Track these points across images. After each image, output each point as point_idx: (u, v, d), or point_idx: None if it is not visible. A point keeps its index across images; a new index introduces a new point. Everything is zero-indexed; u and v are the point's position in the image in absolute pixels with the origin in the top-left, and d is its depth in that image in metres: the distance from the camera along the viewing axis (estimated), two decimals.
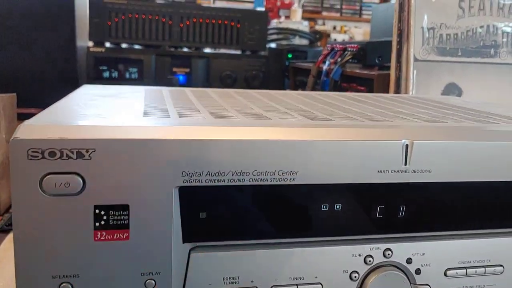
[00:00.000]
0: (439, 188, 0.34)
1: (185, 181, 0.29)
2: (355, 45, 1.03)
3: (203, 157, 0.29)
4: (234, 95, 0.51)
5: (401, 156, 0.32)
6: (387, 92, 0.88)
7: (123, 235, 0.29)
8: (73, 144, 0.27)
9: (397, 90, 0.85)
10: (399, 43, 0.85)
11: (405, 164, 0.32)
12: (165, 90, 0.53)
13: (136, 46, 1.33)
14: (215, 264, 0.31)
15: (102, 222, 0.28)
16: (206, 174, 0.29)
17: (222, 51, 1.41)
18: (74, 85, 1.39)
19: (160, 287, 0.30)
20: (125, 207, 0.29)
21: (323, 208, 0.32)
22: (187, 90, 0.55)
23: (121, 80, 1.28)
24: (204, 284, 0.31)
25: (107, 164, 0.28)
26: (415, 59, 0.83)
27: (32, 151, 0.27)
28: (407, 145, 0.32)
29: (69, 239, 0.28)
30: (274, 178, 0.30)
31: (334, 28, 2.28)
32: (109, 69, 1.29)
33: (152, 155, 0.28)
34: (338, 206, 0.33)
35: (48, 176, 0.27)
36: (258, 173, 0.30)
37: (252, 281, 0.32)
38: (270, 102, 0.46)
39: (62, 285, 0.28)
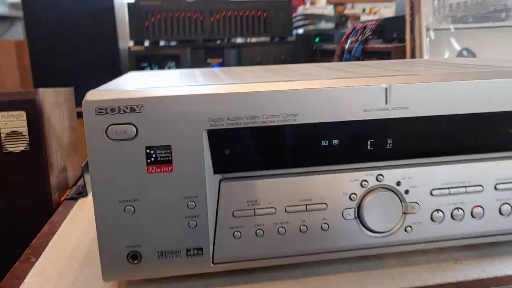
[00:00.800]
0: (418, 122, 0.41)
1: (211, 125, 0.38)
2: (374, 22, 1.09)
3: (224, 106, 0.38)
4: (255, 68, 0.60)
5: (382, 97, 0.40)
6: None
7: (168, 168, 0.38)
8: (127, 102, 0.37)
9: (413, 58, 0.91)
10: (412, 15, 0.91)
11: (386, 103, 0.40)
12: (197, 70, 0.63)
13: (173, 42, 1.44)
14: (240, 190, 0.40)
15: (152, 159, 0.38)
16: (227, 119, 0.38)
17: (252, 40, 1.50)
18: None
19: (198, 207, 0.39)
20: (168, 147, 0.38)
21: (323, 143, 0.41)
22: (216, 69, 0.64)
23: None
24: (232, 206, 0.40)
25: (153, 115, 0.37)
26: (428, 29, 0.89)
27: (98, 109, 0.37)
28: (386, 88, 0.40)
29: (129, 173, 0.38)
30: (279, 120, 0.39)
31: (364, 10, 2.31)
32: (150, 65, 1.41)
33: (185, 107, 0.37)
34: (335, 141, 0.41)
35: (111, 126, 0.37)
36: (267, 116, 0.39)
37: (270, 203, 0.41)
38: (282, 71, 0.55)
39: (127, 207, 0.38)
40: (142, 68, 1.42)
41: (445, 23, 0.89)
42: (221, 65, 1.41)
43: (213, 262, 0.41)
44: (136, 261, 0.39)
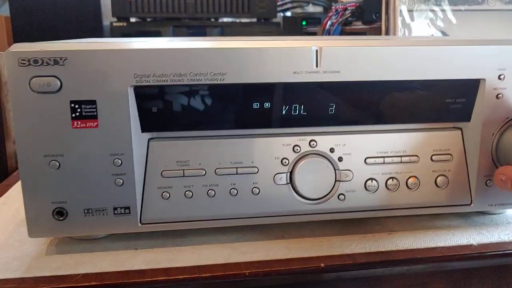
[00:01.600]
0: (351, 87, 0.40)
1: (137, 81, 0.37)
2: (354, 4, 1.08)
3: (149, 62, 0.37)
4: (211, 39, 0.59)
5: (312, 59, 0.39)
6: None
7: (93, 124, 0.38)
8: (50, 54, 0.36)
9: None
10: None
11: (316, 66, 0.39)
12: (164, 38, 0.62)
13: (155, 20, 1.42)
14: (169, 150, 0.40)
15: (77, 114, 0.37)
16: (153, 76, 0.38)
17: (236, 20, 1.48)
18: None
19: (125, 165, 0.39)
20: (93, 102, 0.38)
21: (254, 106, 0.40)
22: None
23: None
24: (161, 166, 0.40)
25: (77, 69, 0.37)
26: (402, 9, 0.88)
27: (21, 60, 0.36)
28: (316, 50, 0.39)
29: (54, 127, 0.37)
30: (207, 79, 0.38)
31: None
32: None
33: (110, 61, 0.37)
34: (267, 105, 0.40)
35: (34, 78, 0.36)
36: (194, 74, 0.38)
37: (200, 164, 0.40)
38: (235, 38, 0.54)
39: (51, 162, 0.38)
40: None
41: (420, 5, 0.88)
42: None
43: (141, 222, 0.40)
44: (62, 218, 0.39)
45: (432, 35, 0.89)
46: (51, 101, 0.37)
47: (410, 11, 0.88)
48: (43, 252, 0.40)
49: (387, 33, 0.90)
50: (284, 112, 0.41)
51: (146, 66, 0.37)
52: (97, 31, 1.43)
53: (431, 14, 0.89)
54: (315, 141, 0.41)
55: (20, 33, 1.38)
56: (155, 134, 0.40)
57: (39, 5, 1.39)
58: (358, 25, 1.07)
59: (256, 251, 0.41)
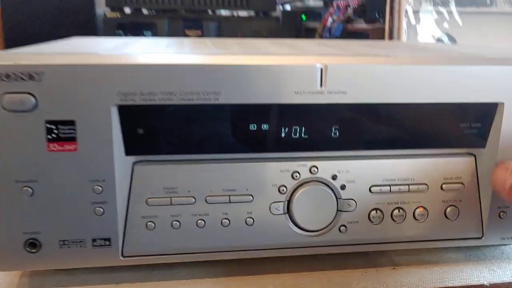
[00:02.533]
0: (357, 109, 0.37)
1: (121, 100, 0.34)
2: (356, 1, 1.04)
3: (135, 79, 0.33)
4: (204, 40, 0.55)
5: (316, 78, 0.35)
6: None
7: (72, 147, 0.34)
8: (24, 68, 0.32)
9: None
10: None
11: (321, 86, 0.35)
12: (157, 39, 0.58)
13: (150, 11, 1.38)
14: (155, 176, 0.36)
15: (54, 135, 0.34)
16: (139, 94, 0.34)
17: (234, 14, 1.44)
18: None
19: (106, 192, 0.35)
20: (72, 122, 0.34)
21: (251, 127, 0.37)
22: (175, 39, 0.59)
23: None
24: (146, 193, 0.36)
25: (55, 85, 0.33)
26: (407, 10, 0.84)
27: None
28: (321, 69, 0.35)
29: (27, 149, 0.34)
30: (199, 98, 0.34)
31: None
32: (125, 33, 1.35)
33: (91, 78, 0.33)
34: (265, 126, 0.37)
35: (6, 95, 0.32)
36: (185, 93, 0.34)
37: (189, 191, 0.37)
38: (239, 43, 0.50)
39: (24, 188, 0.34)
40: (117, 36, 1.36)
41: (426, 6, 0.84)
42: (200, 37, 1.35)
43: (122, 255, 0.37)
44: (34, 250, 0.35)
45: (439, 38, 0.85)
46: (24, 120, 0.33)
47: (415, 12, 0.84)
48: (14, 285, 0.37)
49: (390, 35, 0.86)
50: (283, 135, 0.37)
51: (131, 84, 0.33)
52: (90, 22, 1.38)
53: (436, 16, 0.85)
54: (316, 167, 0.38)
55: (10, 23, 1.33)
56: (140, 158, 0.36)
57: None
58: (360, 24, 1.02)
59: (250, 287, 0.37)
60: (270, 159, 0.38)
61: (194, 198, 0.37)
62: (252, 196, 0.37)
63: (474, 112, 0.38)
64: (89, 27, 1.39)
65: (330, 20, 1.10)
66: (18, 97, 0.33)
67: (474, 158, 0.40)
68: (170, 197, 0.37)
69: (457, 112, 0.38)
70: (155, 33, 1.32)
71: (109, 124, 0.34)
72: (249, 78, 0.34)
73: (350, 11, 1.04)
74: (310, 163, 0.38)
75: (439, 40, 0.85)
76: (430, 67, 0.37)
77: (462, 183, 0.40)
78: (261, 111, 0.36)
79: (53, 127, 0.34)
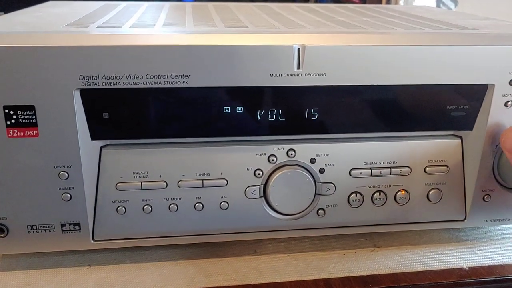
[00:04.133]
0: (336, 91, 0.35)
1: (83, 83, 0.31)
2: None
3: (97, 62, 0.31)
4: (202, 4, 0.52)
5: (293, 60, 0.33)
6: (380, 2, 0.85)
7: (33, 132, 0.32)
8: None
9: (387, 2, 0.82)
10: None
11: (298, 68, 0.33)
12: (118, 7, 0.53)
13: None
14: (124, 160, 0.35)
15: (13, 121, 0.32)
16: (102, 78, 0.31)
17: None
18: None
19: (73, 178, 0.34)
20: (32, 108, 0.32)
21: (225, 110, 0.35)
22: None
23: None
24: (116, 177, 0.35)
25: (9, 69, 0.31)
26: None
27: None
28: (299, 49, 0.33)
29: None
30: (167, 81, 0.32)
31: None
32: None
33: (48, 61, 0.31)
34: (240, 109, 0.35)
35: None
36: (152, 77, 0.32)
37: (160, 176, 0.35)
38: (211, 14, 0.47)
39: None
40: None
41: None
42: None
43: (93, 239, 0.36)
44: (2, 235, 0.35)
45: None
46: None
47: None
48: None
49: None
50: (259, 118, 0.35)
51: (94, 66, 0.31)
52: None
53: None
54: (294, 150, 0.36)
55: None
56: (108, 142, 0.35)
57: None
58: None
59: (224, 272, 0.37)
60: (245, 142, 0.36)
61: (166, 183, 0.35)
62: (227, 180, 0.36)
63: (462, 93, 0.36)
64: None
65: None
66: None
67: (460, 140, 0.38)
68: (141, 182, 0.35)
69: (445, 94, 0.36)
70: None
71: (71, 109, 0.32)
72: (221, 60, 0.32)
73: None
74: (287, 146, 0.36)
75: (441, 1, 0.80)
76: (416, 47, 0.34)
77: (447, 166, 0.38)
78: (235, 93, 0.34)
79: (11, 112, 0.32)
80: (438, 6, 0.81)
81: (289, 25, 0.39)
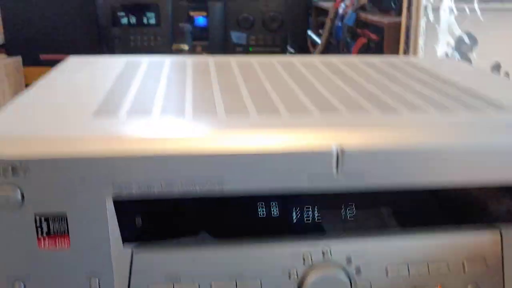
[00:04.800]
0: (374, 192, 0.34)
1: (115, 192, 0.31)
2: None
3: (131, 171, 0.30)
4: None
5: (332, 163, 0.32)
6: (398, 41, 0.84)
7: (64, 241, 0.31)
8: (8, 162, 0.29)
9: (407, 40, 0.81)
10: None
11: (336, 171, 0.32)
12: (140, 71, 0.50)
13: None
14: (157, 264, 0.34)
15: (44, 230, 0.31)
16: (136, 187, 0.31)
17: None
18: (94, 31, 1.41)
19: (104, 285, 0.33)
20: (63, 216, 0.31)
21: (260, 212, 0.34)
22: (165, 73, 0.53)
23: (139, 25, 1.28)
24: (148, 283, 0.34)
25: (42, 178, 0.30)
26: (427, 7, 0.78)
27: None
28: (337, 153, 0.32)
29: (17, 246, 0.31)
30: (201, 188, 0.31)
31: None
32: (127, 15, 1.30)
33: (81, 171, 0.30)
34: (275, 211, 0.34)
35: None
36: (186, 184, 0.31)
37: (193, 279, 0.34)
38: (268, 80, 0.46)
39: (16, 282, 0.32)
40: (119, 18, 1.30)
41: (447, 2, 0.78)
42: (206, 18, 1.29)
43: None
44: None
45: (459, 37, 0.79)
46: (12, 216, 0.31)
47: (435, 9, 0.78)
48: None
49: (407, 33, 0.80)
50: (294, 220, 0.34)
51: (127, 175, 0.30)
52: (91, 5, 1.32)
53: (457, 12, 0.79)
54: (329, 250, 0.35)
55: (7, 5, 1.27)
56: (139, 245, 0.34)
57: None
58: (375, 15, 0.96)
59: None
60: (280, 243, 0.35)
61: (199, 285, 0.34)
62: (261, 282, 0.35)
63: (503, 188, 0.35)
64: (90, 10, 1.33)
65: (342, 6, 1.03)
66: (3, 191, 0.30)
67: (499, 234, 0.37)
68: (173, 283, 0.34)
69: (484, 190, 0.35)
70: (158, 15, 1.27)
71: (104, 217, 0.31)
72: (256, 166, 0.31)
73: None
74: (322, 245, 0.35)
75: (459, 39, 0.79)
76: (458, 144, 0.33)
77: (485, 261, 0.37)
78: (270, 197, 0.33)
79: (42, 222, 0.31)
80: (457, 47, 0.79)
81: (322, 106, 0.38)
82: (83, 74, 0.49)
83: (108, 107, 0.38)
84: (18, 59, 0.72)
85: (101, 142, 0.31)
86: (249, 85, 0.45)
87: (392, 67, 0.55)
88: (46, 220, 0.31)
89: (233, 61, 0.55)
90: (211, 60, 0.55)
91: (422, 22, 0.78)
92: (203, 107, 0.38)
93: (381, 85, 0.47)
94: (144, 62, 0.53)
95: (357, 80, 0.48)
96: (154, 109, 0.37)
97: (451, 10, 0.79)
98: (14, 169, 0.30)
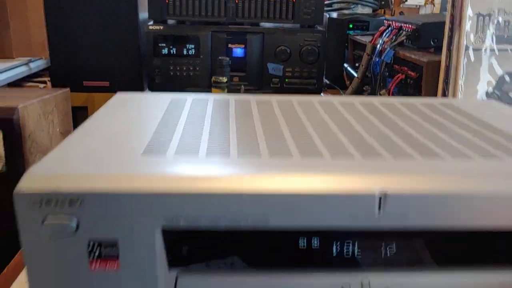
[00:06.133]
0: (415, 232, 0.34)
1: (165, 224, 0.32)
2: (410, 26, 0.98)
3: (179, 206, 0.32)
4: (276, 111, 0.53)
5: (375, 207, 0.32)
6: (437, 79, 0.84)
7: (114, 266, 0.33)
8: (65, 196, 0.31)
9: (446, 79, 0.81)
10: (451, 29, 0.80)
11: (379, 213, 0.33)
12: (185, 110, 0.51)
13: (193, 23, 1.36)
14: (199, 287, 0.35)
15: (96, 255, 0.33)
16: (184, 218, 0.32)
17: (278, 26, 1.40)
18: (136, 60, 1.46)
19: None
20: (115, 243, 0.32)
21: (300, 246, 0.34)
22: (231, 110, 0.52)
23: (178, 56, 1.32)
24: None
25: (96, 209, 0.32)
26: (467, 48, 0.78)
27: (33, 201, 0.31)
28: (380, 198, 0.32)
29: (70, 270, 0.33)
30: (247, 225, 0.32)
31: None
32: (168, 46, 1.34)
33: (134, 204, 0.32)
34: (316, 245, 0.34)
35: (49, 217, 0.32)
36: (231, 220, 0.32)
37: None
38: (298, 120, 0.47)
39: None
40: (160, 48, 1.35)
41: (488, 43, 0.78)
42: (244, 49, 1.32)
43: None
44: None
45: (501, 76, 0.79)
46: (67, 242, 0.32)
47: (476, 50, 0.79)
48: None
49: (446, 72, 0.81)
50: (334, 254, 0.35)
51: (176, 210, 0.32)
52: (132, 33, 1.37)
53: (498, 53, 0.79)
54: (368, 282, 0.35)
55: (55, 32, 1.34)
56: (183, 269, 0.35)
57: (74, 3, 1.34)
58: (412, 52, 0.97)
59: None
60: (319, 272, 0.35)
61: None
62: None
63: None
64: (132, 39, 1.39)
65: (380, 41, 1.04)
66: (60, 219, 0.32)
67: None
68: None
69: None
70: (198, 46, 1.31)
71: (152, 245, 0.33)
72: (301, 206, 0.32)
73: (402, 36, 0.98)
74: (361, 277, 0.35)
75: (500, 79, 0.79)
76: (498, 192, 0.33)
77: None
78: (313, 233, 0.34)
79: (95, 247, 0.32)
80: (499, 87, 0.79)
81: (363, 151, 0.39)
82: (131, 113, 0.50)
83: (156, 147, 0.39)
84: (67, 90, 0.76)
85: (152, 179, 0.33)
86: (291, 128, 0.46)
87: (432, 109, 0.55)
88: (99, 245, 0.32)
89: (274, 100, 0.56)
90: (252, 99, 0.56)
91: (463, 62, 0.78)
92: (247, 149, 0.39)
93: (422, 128, 0.47)
94: (189, 100, 0.55)
95: (398, 123, 0.49)
96: (200, 149, 0.39)
97: (492, 51, 0.79)
98: (71, 201, 0.32)
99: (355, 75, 1.22)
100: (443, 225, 0.33)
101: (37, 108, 0.63)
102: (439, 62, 0.84)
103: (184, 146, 0.39)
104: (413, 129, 0.46)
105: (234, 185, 0.32)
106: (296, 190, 0.32)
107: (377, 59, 1.04)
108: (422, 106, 0.56)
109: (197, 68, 1.30)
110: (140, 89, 1.42)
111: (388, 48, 1.00)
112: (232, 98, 0.57)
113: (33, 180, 0.32)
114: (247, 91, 1.35)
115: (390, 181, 0.33)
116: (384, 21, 1.15)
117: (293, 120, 0.48)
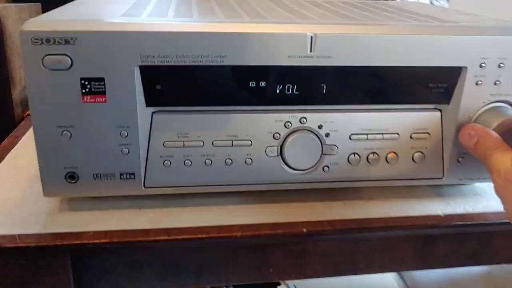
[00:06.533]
0: (340, 70, 0.43)
1: (142, 61, 0.40)
2: None
3: (155, 44, 0.40)
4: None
5: (307, 45, 0.42)
6: None
7: (102, 99, 0.41)
8: (61, 34, 0.39)
9: None
10: None
11: (310, 51, 0.42)
12: None
13: None
14: (171, 123, 0.44)
15: (87, 89, 0.41)
16: (158, 57, 0.40)
17: None
18: None
19: (130, 136, 0.43)
20: (102, 79, 0.41)
21: (251, 85, 0.43)
22: None
23: None
24: (163, 137, 0.44)
25: (87, 48, 0.39)
26: None
27: (34, 39, 0.39)
28: (311, 37, 0.41)
29: (66, 101, 0.41)
30: (208, 60, 0.41)
31: None
32: None
33: (117, 43, 0.40)
34: (263, 84, 0.44)
35: (47, 56, 0.39)
36: (195, 56, 0.41)
37: (198, 136, 0.44)
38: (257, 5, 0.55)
39: (64, 132, 0.42)
40: None
41: None
42: None
43: (144, 186, 0.45)
44: (73, 181, 0.44)
45: None
46: (63, 77, 0.40)
47: None
48: (57, 209, 0.45)
49: None
50: (278, 91, 0.44)
51: (151, 48, 0.40)
52: None
53: None
54: (305, 118, 0.45)
55: None
56: (158, 108, 0.44)
57: None
58: None
59: (247, 214, 0.46)
60: (267, 111, 0.45)
61: (203, 142, 0.44)
62: (251, 141, 0.45)
63: (441, 74, 0.45)
64: None
65: None
66: (57, 58, 0.39)
67: (440, 113, 0.47)
68: (183, 141, 0.44)
69: (427, 74, 0.45)
70: None
71: (132, 81, 0.41)
72: (250, 44, 0.41)
73: None
74: (300, 115, 0.45)
75: None
76: (405, 36, 0.43)
77: (429, 133, 0.47)
78: (260, 71, 0.43)
79: (86, 83, 0.41)
80: (431, 3, 0.89)
81: (302, 18, 0.48)
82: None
83: (132, 13, 0.47)
84: (38, 4, 0.80)
85: (133, 24, 0.41)
86: (244, 9, 0.54)
87: (366, 4, 0.64)
88: (89, 81, 0.41)
89: None
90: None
91: None
92: (206, 14, 0.48)
93: (353, 11, 0.57)
94: None
95: (334, 9, 0.58)
96: (168, 13, 0.47)
97: None
98: (66, 41, 0.39)
99: None
100: (366, 64, 0.43)
101: (15, 12, 0.69)
102: None
103: (155, 13, 0.47)
104: (346, 12, 0.55)
105: (197, 28, 0.41)
106: (247, 30, 0.41)
107: None
108: (358, 3, 0.65)
109: None
110: None
111: None
112: None
113: (35, 24, 0.39)
114: None
115: (320, 27, 0.42)
116: None
117: (245, 5, 0.57)
